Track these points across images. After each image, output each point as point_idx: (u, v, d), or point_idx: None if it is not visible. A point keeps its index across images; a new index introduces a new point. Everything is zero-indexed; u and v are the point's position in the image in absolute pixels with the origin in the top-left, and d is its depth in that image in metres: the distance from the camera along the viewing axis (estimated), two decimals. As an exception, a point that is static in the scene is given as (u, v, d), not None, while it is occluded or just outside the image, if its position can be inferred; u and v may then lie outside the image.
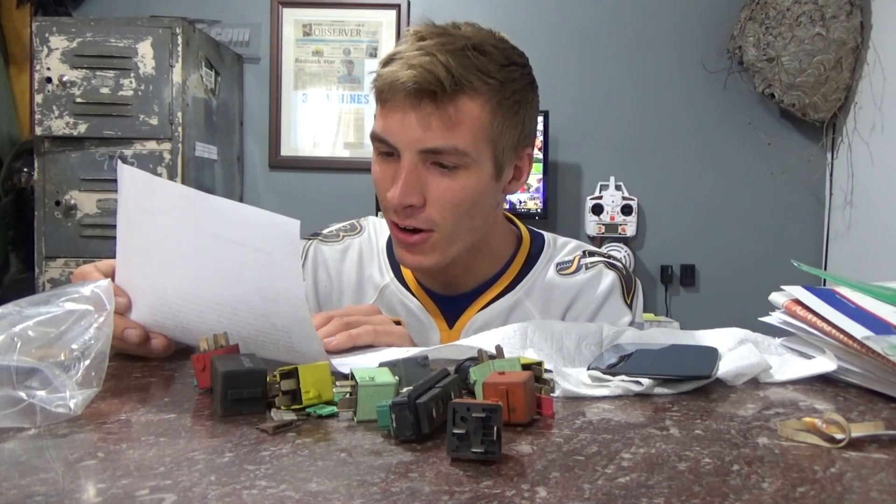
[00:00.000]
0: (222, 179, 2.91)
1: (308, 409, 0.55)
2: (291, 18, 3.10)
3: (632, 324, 0.98)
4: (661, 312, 3.07)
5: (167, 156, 2.51)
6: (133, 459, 0.45)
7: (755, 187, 3.08)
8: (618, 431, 0.52)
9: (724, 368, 0.65)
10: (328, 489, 0.41)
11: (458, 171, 0.88)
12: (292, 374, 0.55)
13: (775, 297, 0.77)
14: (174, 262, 0.68)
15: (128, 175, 0.69)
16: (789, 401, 0.61)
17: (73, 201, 2.51)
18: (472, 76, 0.86)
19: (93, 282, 0.61)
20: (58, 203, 2.51)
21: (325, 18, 3.10)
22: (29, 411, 0.51)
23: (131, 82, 2.49)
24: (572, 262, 1.03)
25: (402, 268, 1.03)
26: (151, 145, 2.51)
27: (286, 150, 3.11)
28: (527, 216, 2.92)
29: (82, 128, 2.48)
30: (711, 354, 0.67)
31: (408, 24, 3.02)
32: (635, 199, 3.02)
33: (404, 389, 0.51)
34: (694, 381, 0.63)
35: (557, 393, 0.60)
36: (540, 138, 2.87)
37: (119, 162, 0.70)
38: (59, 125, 2.48)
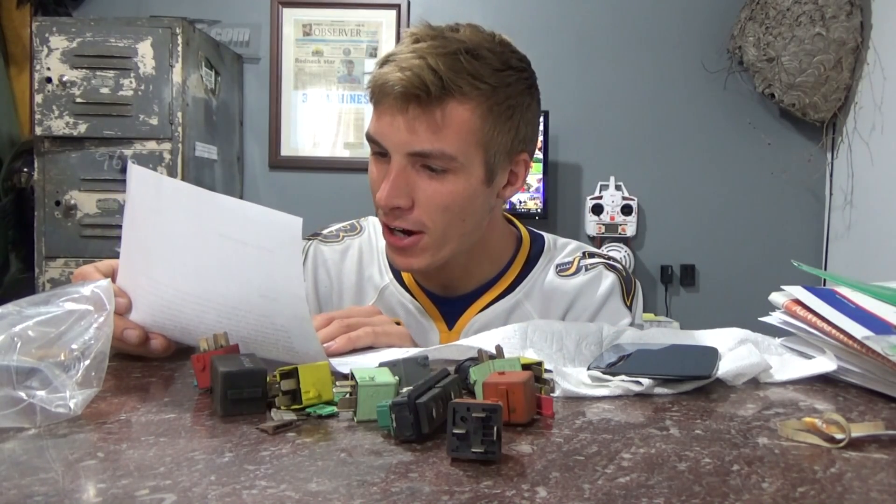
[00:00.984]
0: (222, 179, 2.91)
1: (308, 409, 0.55)
2: (291, 18, 3.10)
3: (631, 325, 0.98)
4: (661, 312, 3.07)
5: (167, 156, 2.51)
6: (133, 459, 0.45)
7: (755, 187, 3.08)
8: (618, 431, 0.52)
9: (724, 368, 0.65)
10: (328, 489, 0.41)
11: (447, 174, 0.88)
12: (292, 374, 0.55)
13: (775, 297, 0.78)
14: (177, 262, 0.68)
15: (136, 175, 0.69)
16: (789, 401, 0.61)
17: (73, 201, 2.50)
18: (462, 80, 0.85)
19: (93, 282, 0.61)
20: (58, 203, 2.51)
21: (325, 18, 3.10)
22: (29, 411, 0.51)
23: (131, 82, 2.48)
24: (572, 263, 1.02)
25: (402, 268, 1.03)
26: (151, 145, 2.51)
27: (286, 150, 3.11)
28: (527, 216, 2.92)
29: (82, 128, 2.48)
30: (711, 354, 0.67)
31: (408, 24, 3.02)
32: (635, 199, 3.02)
33: (404, 389, 0.51)
34: (694, 381, 0.63)
35: (557, 393, 0.60)
36: (540, 138, 2.86)
37: (130, 163, 0.70)
38: (59, 125, 2.47)
